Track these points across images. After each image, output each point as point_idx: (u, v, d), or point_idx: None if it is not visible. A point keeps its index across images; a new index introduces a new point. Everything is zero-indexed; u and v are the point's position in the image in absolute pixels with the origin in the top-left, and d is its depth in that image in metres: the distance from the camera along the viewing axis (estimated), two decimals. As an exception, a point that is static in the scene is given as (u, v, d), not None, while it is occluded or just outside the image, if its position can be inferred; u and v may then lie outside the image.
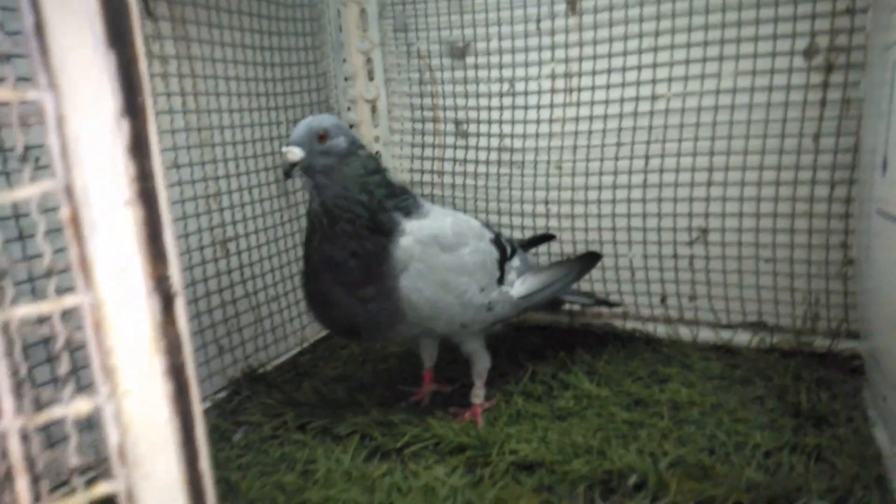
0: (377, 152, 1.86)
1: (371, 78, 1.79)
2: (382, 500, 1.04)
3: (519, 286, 1.31)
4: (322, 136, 1.10)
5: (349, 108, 1.82)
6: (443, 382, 1.40)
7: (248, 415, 1.34)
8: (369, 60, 1.77)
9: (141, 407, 0.38)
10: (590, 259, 1.46)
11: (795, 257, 1.42)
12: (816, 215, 1.38)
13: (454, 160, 1.74)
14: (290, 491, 1.09)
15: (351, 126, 1.83)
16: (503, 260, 1.29)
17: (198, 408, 0.45)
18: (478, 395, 1.29)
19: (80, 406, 0.35)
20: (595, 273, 1.62)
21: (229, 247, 1.48)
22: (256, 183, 1.54)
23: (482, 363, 1.29)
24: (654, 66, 1.45)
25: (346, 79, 1.79)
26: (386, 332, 1.19)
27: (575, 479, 1.05)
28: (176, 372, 0.43)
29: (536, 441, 1.14)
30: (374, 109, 1.81)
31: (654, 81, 1.46)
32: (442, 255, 1.17)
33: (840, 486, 0.96)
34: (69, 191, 0.35)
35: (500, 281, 1.27)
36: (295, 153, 1.09)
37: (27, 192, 0.34)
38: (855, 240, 1.33)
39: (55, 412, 0.35)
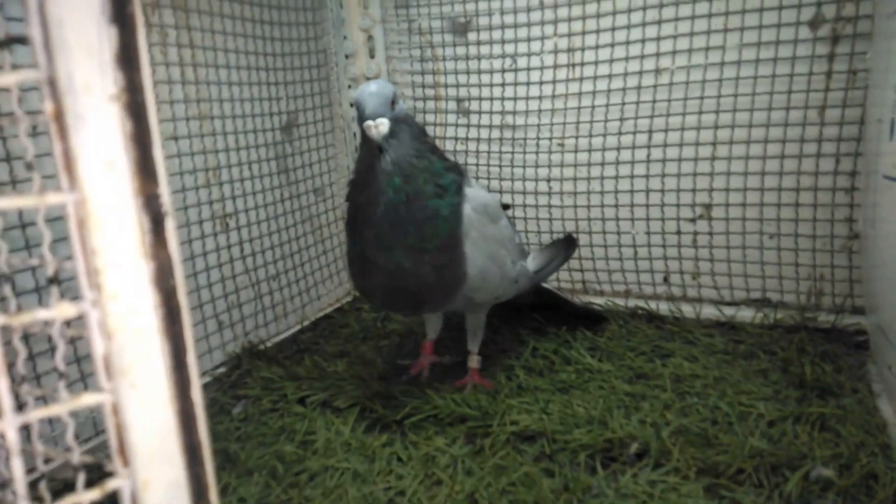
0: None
1: (372, 55, 1.77)
2: (382, 468, 1.04)
3: (531, 262, 1.34)
4: (393, 102, 1.07)
5: (350, 86, 1.81)
6: (441, 354, 1.39)
7: (248, 389, 1.34)
8: (370, 38, 1.76)
9: (128, 313, 0.36)
10: (570, 242, 1.46)
11: (800, 232, 1.41)
12: (821, 189, 1.37)
13: (455, 138, 1.73)
14: (289, 461, 1.08)
15: (352, 105, 1.82)
16: None
17: (189, 337, 0.44)
18: (475, 360, 1.30)
19: (65, 310, 0.34)
20: (597, 251, 1.62)
21: (229, 222, 1.47)
22: (256, 158, 1.52)
23: (482, 333, 1.31)
24: (658, 39, 1.44)
25: (346, 56, 1.78)
26: (450, 302, 1.16)
27: (576, 448, 1.04)
28: (166, 296, 0.42)
29: (538, 412, 1.13)
30: (375, 87, 1.80)
31: (657, 55, 1.45)
32: (490, 225, 1.17)
33: (844, 453, 0.95)
34: (52, 83, 0.33)
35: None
36: (386, 124, 1.03)
37: (7, 79, 0.32)
38: (860, 213, 1.31)
39: (39, 315, 0.34)
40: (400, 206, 1.06)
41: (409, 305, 1.19)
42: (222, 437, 1.16)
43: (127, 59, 0.39)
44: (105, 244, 0.35)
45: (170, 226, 0.42)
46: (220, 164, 1.43)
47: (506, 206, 1.59)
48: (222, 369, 1.42)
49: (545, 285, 1.48)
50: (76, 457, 0.43)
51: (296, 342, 1.57)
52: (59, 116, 0.34)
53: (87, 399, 0.36)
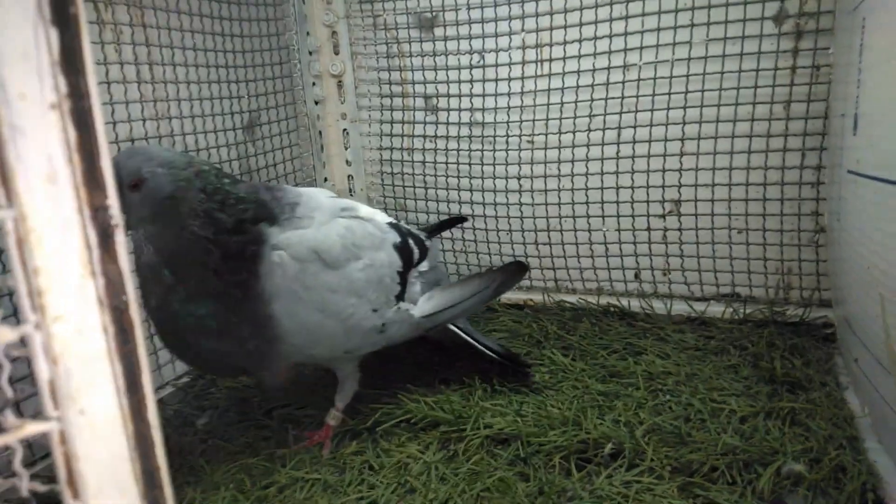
0: (344, 130, 1.81)
1: (336, 52, 1.73)
2: (354, 478, 1.01)
3: (423, 303, 1.15)
4: (135, 185, 0.87)
5: (314, 84, 1.77)
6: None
7: (213, 399, 1.29)
8: (334, 33, 1.72)
9: (74, 334, 0.33)
10: (514, 271, 1.27)
11: (768, 227, 1.42)
12: (788, 183, 1.38)
13: (424, 136, 1.70)
14: (257, 474, 1.05)
15: (316, 102, 1.78)
16: (407, 268, 1.13)
17: (143, 356, 0.41)
18: (335, 417, 1.13)
19: (4, 334, 0.31)
20: (569, 249, 1.61)
21: (191, 225, 1.42)
22: (218, 160, 1.48)
23: (351, 388, 1.14)
24: (626, 34, 1.43)
25: (310, 52, 1.74)
26: (274, 366, 1.02)
27: (551, 451, 1.02)
28: (117, 314, 0.39)
29: (512, 414, 1.12)
30: (340, 85, 1.76)
31: (625, 50, 1.44)
32: (324, 273, 0.99)
33: (814, 447, 0.96)
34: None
35: (401, 296, 1.11)
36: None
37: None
38: (826, 207, 1.33)
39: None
40: (173, 298, 0.91)
41: (231, 372, 1.09)
42: (187, 451, 1.12)
43: (70, 62, 0.36)
44: (48, 263, 0.32)
45: (119, 239, 0.39)
46: (179, 166, 1.38)
47: (461, 220, 1.56)
48: (186, 379, 1.38)
49: (456, 329, 1.24)
50: (25, 484, 0.40)
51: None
52: (-10, 126, 0.30)
53: (32, 428, 0.33)
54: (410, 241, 1.16)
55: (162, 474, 0.43)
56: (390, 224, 1.16)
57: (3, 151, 0.31)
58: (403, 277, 1.12)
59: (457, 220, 1.55)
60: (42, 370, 0.33)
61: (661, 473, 0.94)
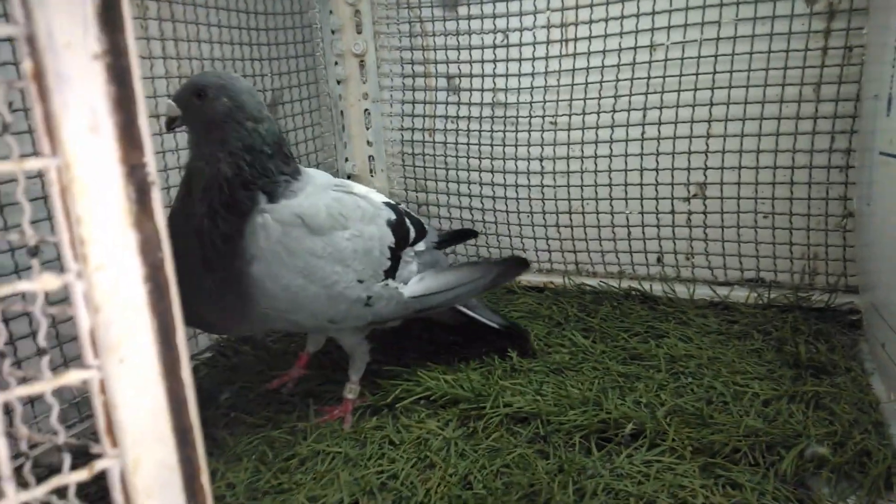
0: (366, 110, 1.81)
1: (359, 31, 1.73)
2: (374, 452, 1.02)
3: (414, 284, 1.15)
4: (199, 94, 0.98)
5: (336, 63, 1.76)
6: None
7: (236, 375, 1.31)
8: (357, 12, 1.71)
9: (115, 284, 0.34)
10: (513, 265, 1.28)
11: (794, 211, 1.40)
12: (816, 167, 1.36)
13: (446, 117, 1.69)
14: (279, 446, 1.06)
15: (339, 82, 1.78)
16: (401, 246, 1.13)
17: (178, 314, 0.41)
18: (352, 390, 1.15)
19: (48, 282, 0.32)
20: (590, 231, 1.60)
21: (214, 202, 1.43)
22: (241, 136, 1.48)
23: (361, 360, 1.16)
24: (653, 13, 1.41)
25: (333, 31, 1.73)
26: (238, 325, 1.04)
27: (570, 430, 1.02)
28: (154, 269, 0.39)
29: (532, 393, 1.12)
30: (362, 64, 1.76)
31: (652, 30, 1.42)
32: (308, 238, 1.01)
33: (838, 431, 0.95)
34: (31, 40, 0.30)
35: (392, 273, 1.11)
36: (171, 107, 1.00)
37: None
38: (855, 191, 1.30)
39: (20, 286, 0.31)
40: (183, 206, 1.00)
41: (197, 324, 1.08)
42: (210, 424, 1.13)
43: (110, 18, 0.36)
44: (90, 212, 0.32)
45: (156, 196, 0.40)
46: (204, 143, 1.39)
47: (473, 234, 1.51)
48: (208, 354, 1.39)
49: (463, 308, 1.25)
50: (61, 438, 0.41)
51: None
52: (39, 76, 0.31)
53: (74, 376, 0.33)
54: (407, 221, 1.17)
55: (195, 433, 0.44)
56: (387, 203, 1.17)
57: (48, 100, 0.31)
58: (396, 255, 1.12)
59: (468, 235, 1.50)
60: (83, 319, 0.33)
61: (682, 454, 0.94)
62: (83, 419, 1.11)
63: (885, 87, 0.98)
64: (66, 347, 1.07)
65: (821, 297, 1.38)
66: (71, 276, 0.32)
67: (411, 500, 0.90)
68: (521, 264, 1.29)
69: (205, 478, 0.45)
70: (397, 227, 1.13)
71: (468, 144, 1.68)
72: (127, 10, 0.38)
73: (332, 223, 1.04)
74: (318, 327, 1.11)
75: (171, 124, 1.03)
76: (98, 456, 0.35)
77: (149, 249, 0.39)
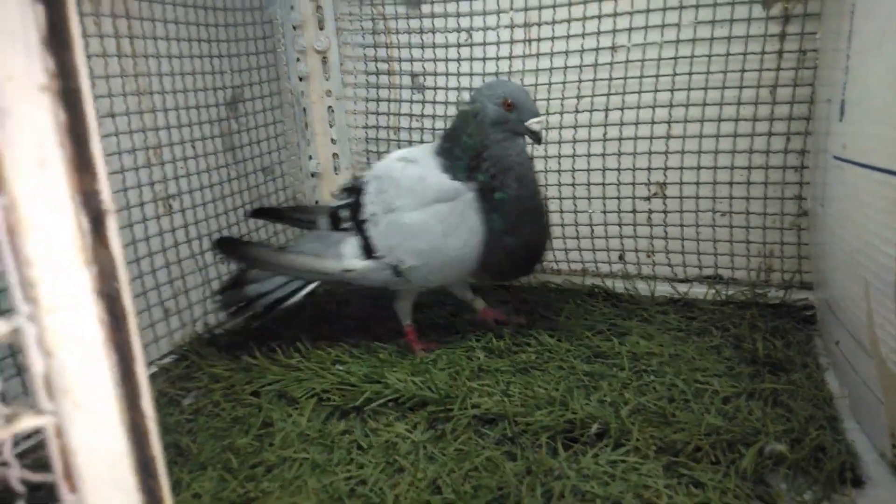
0: (329, 107, 1.79)
1: (321, 27, 1.70)
2: (342, 457, 1.01)
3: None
4: (509, 106, 1.19)
5: (298, 59, 1.73)
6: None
7: (198, 380, 1.28)
8: (319, 8, 1.69)
9: (68, 326, 0.33)
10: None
11: (751, 210, 1.44)
12: (772, 167, 1.39)
13: (410, 115, 1.69)
14: (245, 453, 1.04)
15: (301, 79, 1.75)
16: None
17: (137, 343, 0.40)
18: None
19: (-7, 329, 0.30)
20: (555, 230, 1.61)
21: (172, 204, 1.40)
22: (200, 136, 1.45)
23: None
24: (615, 15, 1.42)
25: (294, 27, 1.70)
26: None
27: (538, 430, 1.03)
28: (110, 302, 0.38)
29: (499, 394, 1.13)
30: (325, 61, 1.73)
31: (614, 31, 1.44)
32: None
33: (795, 427, 0.98)
34: (-34, 70, 0.29)
35: None
36: (541, 124, 1.21)
37: None
38: (809, 191, 1.34)
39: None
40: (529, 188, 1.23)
41: (536, 266, 1.33)
42: (172, 430, 1.11)
43: (57, 39, 0.35)
44: (39, 252, 0.31)
45: (111, 224, 0.38)
46: (161, 143, 1.36)
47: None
48: (170, 359, 1.36)
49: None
50: (15, 474, 0.39)
51: (248, 329, 1.51)
52: (-24, 108, 0.29)
53: (27, 422, 0.32)
54: None
55: (158, 464, 0.43)
56: None
57: (-8, 136, 0.30)
58: None
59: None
60: (36, 363, 0.32)
61: (646, 453, 0.96)
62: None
63: (838, 93, 1.01)
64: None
65: (776, 294, 1.43)
66: (21, 320, 0.31)
67: (380, 507, 0.89)
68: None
69: (168, 509, 0.44)
70: None
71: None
72: (75, 29, 0.37)
73: None
74: None
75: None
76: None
77: (104, 282, 0.37)
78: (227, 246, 1.33)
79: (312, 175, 1.84)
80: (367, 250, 1.25)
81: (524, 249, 1.25)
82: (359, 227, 1.27)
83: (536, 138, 1.21)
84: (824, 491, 0.87)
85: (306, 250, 1.31)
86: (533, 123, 1.19)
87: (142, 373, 0.41)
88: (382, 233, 1.24)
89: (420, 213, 1.22)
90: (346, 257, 1.27)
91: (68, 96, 0.36)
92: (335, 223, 1.34)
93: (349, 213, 1.30)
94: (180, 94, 1.39)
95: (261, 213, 1.55)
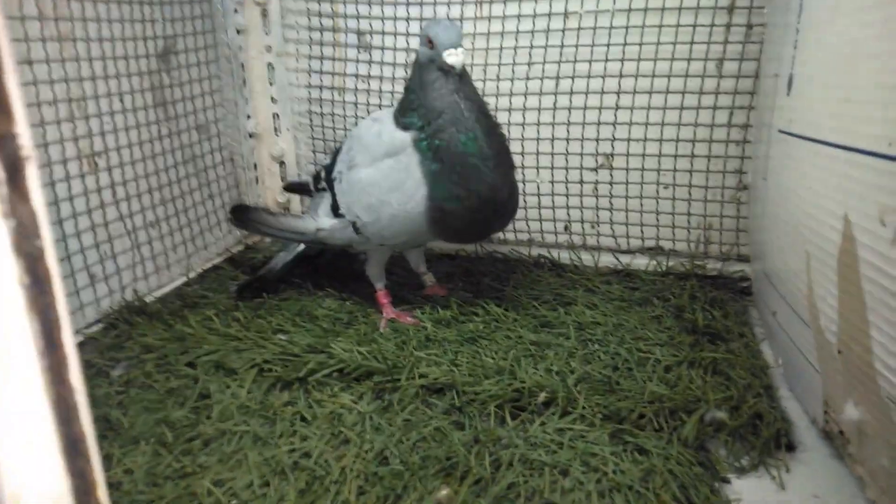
0: (269, 64, 1.70)
1: (262, -23, 1.60)
2: (285, 430, 0.98)
3: None
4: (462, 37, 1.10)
5: (236, 11, 1.63)
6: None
7: (128, 350, 1.21)
8: (260, -43, 1.59)
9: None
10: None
11: (693, 183, 1.46)
12: (715, 141, 1.42)
13: (356, 76, 1.62)
14: (180, 426, 1.00)
15: (239, 32, 1.65)
16: None
17: (63, 309, 0.36)
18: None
19: None
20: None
21: (98, 161, 1.30)
22: (129, 89, 1.35)
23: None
24: (568, -20, 1.40)
25: (232, -23, 1.60)
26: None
27: (485, 400, 1.03)
28: (31, 261, 0.33)
29: (447, 364, 1.11)
30: (264, 14, 1.64)
31: (567, -3, 1.41)
32: None
33: (734, 396, 1.01)
34: None
35: None
36: (462, 53, 1.09)
37: None
38: (751, 165, 1.38)
39: None
40: (488, 134, 1.13)
41: (499, 227, 1.26)
42: (102, 403, 1.05)
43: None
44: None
45: (31, 173, 0.33)
46: (85, 95, 1.25)
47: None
48: (97, 328, 1.28)
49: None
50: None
51: (181, 296, 1.44)
52: None
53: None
54: None
55: (88, 442, 0.38)
56: None
57: None
58: None
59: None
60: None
61: (592, 421, 0.97)
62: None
63: (786, 67, 1.03)
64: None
65: (715, 266, 1.46)
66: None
67: (326, 479, 0.87)
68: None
69: (101, 492, 0.40)
70: None
71: (380, 105, 1.62)
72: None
73: None
74: None
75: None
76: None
77: (24, 238, 0.33)
78: (235, 212, 1.41)
79: (251, 136, 1.75)
80: (335, 208, 1.27)
81: (474, 205, 1.12)
82: (330, 185, 1.29)
83: (448, 70, 1.09)
84: (760, 456, 0.90)
85: (295, 213, 1.34)
86: (447, 55, 1.07)
87: (69, 342, 0.36)
88: (344, 190, 1.25)
89: (371, 169, 1.19)
90: (320, 216, 1.31)
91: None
92: (317, 183, 1.39)
93: (325, 173, 1.33)
94: (106, 43, 1.28)
95: (292, 188, 1.67)
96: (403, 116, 1.16)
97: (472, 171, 1.11)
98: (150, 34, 1.39)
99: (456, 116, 1.11)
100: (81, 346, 1.23)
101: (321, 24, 1.61)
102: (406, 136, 1.15)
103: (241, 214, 1.40)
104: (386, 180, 1.16)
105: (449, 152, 1.11)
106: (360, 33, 1.58)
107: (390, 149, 1.17)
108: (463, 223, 1.15)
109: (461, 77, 1.12)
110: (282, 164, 1.79)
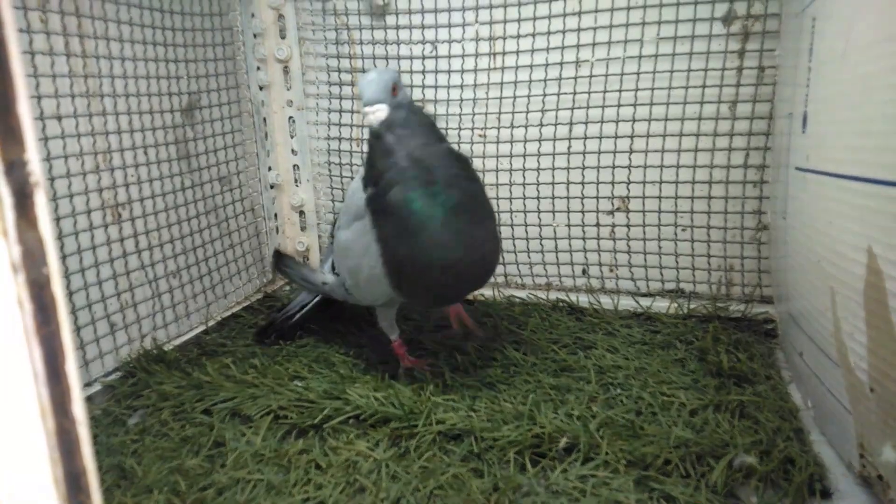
0: (290, 118, 1.75)
1: (283, 36, 1.66)
2: (299, 478, 0.96)
3: None
4: (394, 88, 1.03)
5: (259, 68, 1.69)
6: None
7: (145, 398, 1.21)
8: (281, 17, 1.65)
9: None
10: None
11: (712, 224, 1.45)
12: (732, 182, 1.41)
13: (373, 126, 1.65)
14: (194, 475, 0.98)
15: (261, 88, 1.71)
16: None
17: (67, 338, 0.35)
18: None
19: None
20: (519, 244, 1.60)
21: (122, 212, 1.33)
22: (153, 142, 1.39)
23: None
24: (579, 30, 1.43)
25: (255, 35, 1.66)
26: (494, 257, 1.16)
27: (505, 446, 1.00)
28: (37, 288, 0.33)
29: (465, 409, 1.09)
30: (286, 70, 1.69)
31: (578, 46, 1.44)
32: None
33: (763, 439, 0.97)
34: None
35: None
36: (383, 110, 1.01)
37: None
38: (769, 205, 1.36)
39: None
40: (445, 189, 1.04)
41: (469, 288, 1.19)
42: (116, 452, 1.04)
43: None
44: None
45: (40, 201, 0.34)
46: (111, 148, 1.29)
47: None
48: (115, 376, 1.28)
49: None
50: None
51: (199, 344, 1.45)
52: None
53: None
54: None
55: (89, 477, 0.38)
56: None
57: None
58: None
59: None
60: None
61: (616, 467, 0.93)
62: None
63: (800, 106, 1.03)
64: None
65: (737, 308, 1.43)
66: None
67: (339, 529, 0.84)
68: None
69: (101, 528, 0.39)
70: None
71: (396, 155, 1.64)
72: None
73: None
74: None
75: (382, 130, 1.03)
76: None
77: (31, 264, 0.33)
78: (275, 259, 1.49)
79: (271, 186, 1.79)
80: (333, 265, 1.29)
81: (424, 268, 1.04)
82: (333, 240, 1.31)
83: (369, 129, 1.04)
84: (794, 503, 0.85)
85: (313, 264, 1.37)
86: (364, 113, 1.02)
87: (73, 373, 0.36)
88: (333, 249, 1.27)
89: (348, 231, 1.16)
90: (325, 270, 1.33)
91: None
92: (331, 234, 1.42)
93: (332, 227, 1.36)
94: (133, 98, 1.33)
95: None
96: (364, 176, 1.12)
97: (417, 231, 1.02)
98: (175, 90, 1.44)
99: (398, 175, 1.03)
100: (99, 394, 1.23)
101: (340, 78, 1.66)
102: (363, 198, 1.10)
103: (277, 259, 1.48)
104: (356, 243, 1.13)
105: (393, 213, 1.04)
106: (376, 85, 1.62)
107: (357, 211, 1.12)
108: (422, 287, 1.09)
109: (407, 129, 1.04)
110: (301, 213, 1.81)
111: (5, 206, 0.31)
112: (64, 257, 1.19)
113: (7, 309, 0.30)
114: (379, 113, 1.01)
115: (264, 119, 1.73)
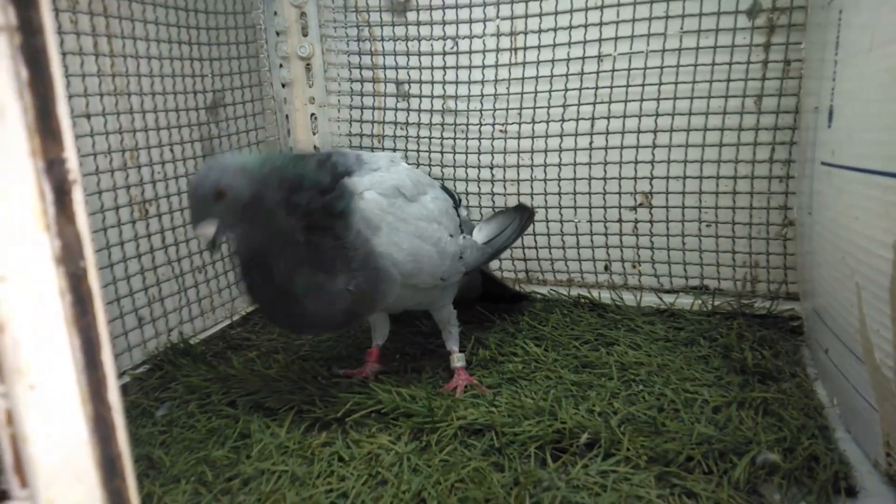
0: (312, 115, 1.76)
1: (305, 33, 1.68)
2: (323, 470, 0.97)
3: (477, 234, 1.33)
4: (219, 195, 0.95)
5: (281, 66, 1.71)
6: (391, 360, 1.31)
7: (172, 391, 1.24)
8: (303, 14, 1.67)
9: (25, 299, 0.29)
10: (528, 211, 1.43)
11: (736, 220, 1.43)
12: (758, 177, 1.39)
13: (395, 123, 1.67)
14: (220, 466, 1.00)
15: (284, 85, 1.73)
16: (456, 206, 1.26)
17: (104, 329, 0.37)
18: (459, 358, 1.22)
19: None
20: (540, 240, 1.60)
21: (149, 208, 1.36)
22: (179, 140, 1.41)
23: (455, 328, 1.25)
24: (601, 24, 1.42)
25: (277, 33, 1.68)
26: (380, 305, 1.11)
27: (525, 441, 1.00)
28: (75, 280, 0.35)
29: (485, 405, 1.10)
30: (308, 67, 1.71)
31: (600, 41, 1.43)
32: (407, 205, 1.10)
33: (787, 437, 0.96)
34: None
35: (459, 229, 1.23)
36: (209, 231, 0.95)
37: None
38: (795, 201, 1.34)
39: None
40: (285, 274, 1.00)
41: (348, 323, 1.12)
42: (145, 443, 1.06)
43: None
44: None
45: (77, 197, 0.35)
46: (138, 146, 1.32)
47: (526, 208, 1.50)
48: (143, 369, 1.31)
49: (487, 271, 1.45)
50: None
51: (225, 338, 1.47)
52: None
53: (-30, 409, 0.28)
54: (447, 188, 1.31)
55: (124, 462, 0.39)
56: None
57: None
58: (457, 212, 1.25)
59: None
60: (-13, 339, 0.29)
61: (637, 463, 0.93)
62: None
63: (826, 100, 1.01)
64: None
65: (763, 304, 1.42)
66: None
67: (362, 521, 0.85)
68: (531, 212, 1.45)
69: (136, 512, 0.40)
70: (445, 190, 1.27)
71: (418, 151, 1.65)
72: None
73: (417, 190, 1.14)
74: (433, 289, 1.18)
75: (216, 244, 0.99)
76: (5, 497, 0.30)
77: (69, 257, 0.34)
78: None
79: (294, 183, 1.80)
80: None
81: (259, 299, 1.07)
82: None
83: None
84: (818, 501, 0.85)
85: None
86: (198, 237, 1.04)
87: (109, 361, 0.37)
88: None
89: None
90: None
91: (32, 53, 0.33)
92: None
93: None
94: (159, 97, 1.35)
95: None
96: None
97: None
98: (200, 88, 1.46)
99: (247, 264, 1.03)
100: (128, 386, 1.26)
101: (361, 75, 1.67)
102: None
103: None
104: None
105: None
106: (398, 83, 1.64)
107: None
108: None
109: (242, 227, 0.99)
110: (323, 210, 1.83)
111: (47, 201, 0.33)
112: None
113: (50, 300, 0.31)
114: (205, 236, 0.96)
115: (287, 116, 1.75)
